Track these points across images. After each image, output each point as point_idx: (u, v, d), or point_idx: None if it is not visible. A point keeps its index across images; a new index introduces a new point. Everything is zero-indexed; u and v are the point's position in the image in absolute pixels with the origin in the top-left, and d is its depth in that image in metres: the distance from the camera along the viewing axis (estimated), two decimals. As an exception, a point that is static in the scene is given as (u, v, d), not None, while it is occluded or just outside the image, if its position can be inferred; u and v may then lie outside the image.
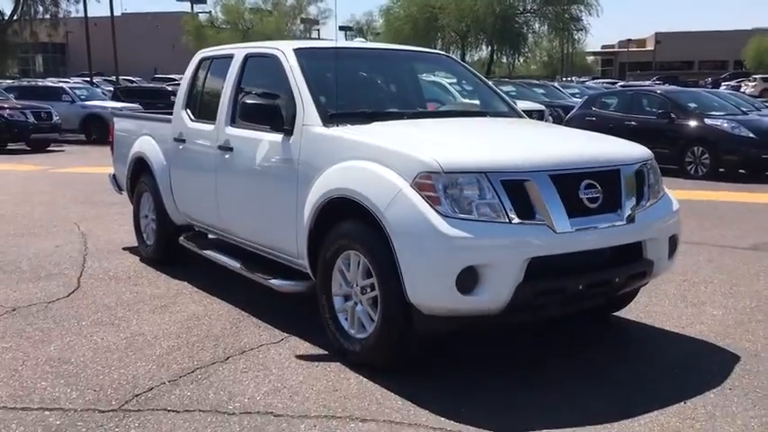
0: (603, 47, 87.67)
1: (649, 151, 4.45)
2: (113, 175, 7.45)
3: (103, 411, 3.50)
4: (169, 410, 3.50)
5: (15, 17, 35.66)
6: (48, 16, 36.82)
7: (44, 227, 8.25)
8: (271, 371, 4.00)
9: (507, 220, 3.62)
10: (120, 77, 45.23)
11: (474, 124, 4.75)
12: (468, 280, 3.54)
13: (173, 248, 6.25)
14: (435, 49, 34.69)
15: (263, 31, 37.97)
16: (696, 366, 4.11)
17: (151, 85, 33.58)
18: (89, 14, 36.27)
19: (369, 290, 3.93)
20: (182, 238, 6.04)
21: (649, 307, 5.17)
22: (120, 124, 7.26)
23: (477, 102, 5.53)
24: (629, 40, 75.89)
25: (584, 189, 3.82)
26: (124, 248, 7.06)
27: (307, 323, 4.63)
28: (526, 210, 3.67)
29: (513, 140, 4.31)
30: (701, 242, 7.30)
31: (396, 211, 3.66)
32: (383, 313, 3.82)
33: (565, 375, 3.99)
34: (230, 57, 5.45)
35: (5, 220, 8.70)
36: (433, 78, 18.18)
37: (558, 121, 16.09)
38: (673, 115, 13.42)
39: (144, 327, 4.76)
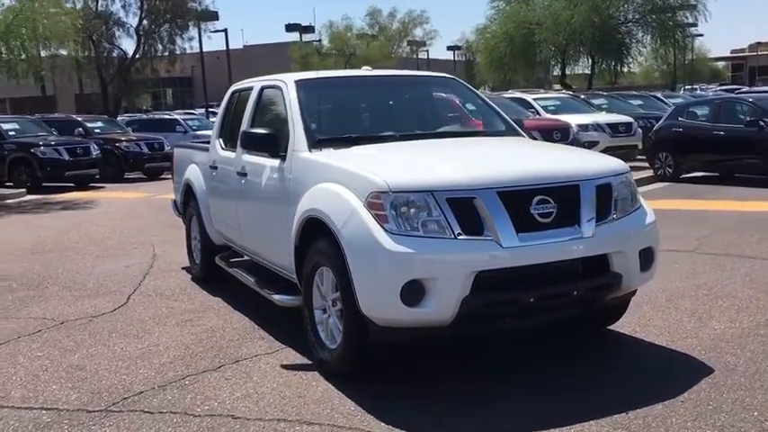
0: (733, 51, 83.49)
1: (624, 165, 4.50)
2: (174, 201, 8.08)
3: (90, 411, 3.95)
4: (145, 412, 3.91)
5: (138, 56, 38.38)
6: (166, 53, 39.39)
7: (125, 249, 9.02)
8: (251, 378, 4.35)
9: (452, 236, 3.80)
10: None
11: (450, 145, 4.92)
12: (413, 293, 3.75)
13: (213, 267, 6.74)
14: (535, 64, 34.82)
15: (368, 56, 38.95)
16: (659, 378, 4.11)
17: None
18: (216, 48, 38.76)
19: (338, 303, 4.21)
20: (217, 257, 6.52)
21: (652, 320, 5.14)
22: (177, 153, 7.89)
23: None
24: (759, 43, 71.89)
25: (535, 205, 3.94)
26: (182, 268, 7.64)
27: (305, 336, 4.93)
28: (473, 226, 3.83)
29: (473, 160, 4.47)
30: (756, 256, 7.04)
31: (349, 228, 3.93)
32: (345, 325, 4.09)
33: (518, 384, 4.11)
34: (251, 89, 5.90)
35: (94, 243, 9.57)
36: (517, 95, 18.13)
37: (645, 132, 15.68)
38: (762, 123, 12.83)
39: (162, 338, 5.23)
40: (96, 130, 21.22)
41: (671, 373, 4.20)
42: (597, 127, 15.70)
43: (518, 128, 5.46)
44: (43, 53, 18.37)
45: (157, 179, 20.37)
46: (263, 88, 5.70)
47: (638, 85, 57.65)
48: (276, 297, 5.01)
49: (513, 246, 3.83)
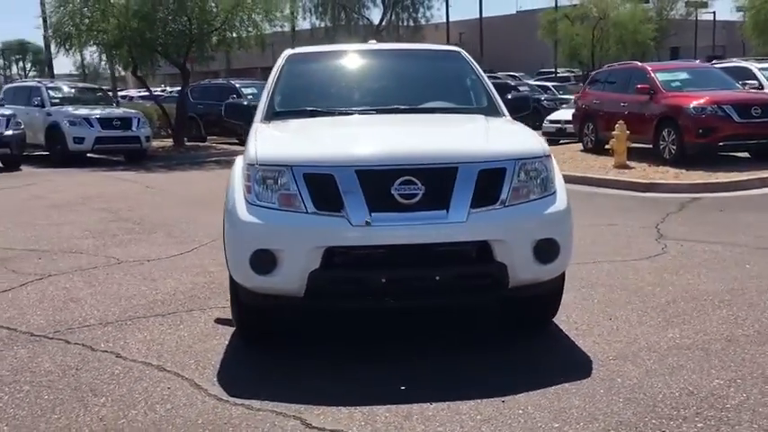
0: None
1: (536, 150, 4.20)
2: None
3: (33, 335, 4.73)
4: (65, 341, 4.58)
5: (383, 24, 39.99)
6: (411, 23, 40.54)
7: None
8: (177, 327, 4.84)
9: (304, 211, 3.92)
10: (507, 74, 47.56)
11: (389, 122, 4.86)
12: (262, 262, 3.94)
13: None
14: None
15: (618, 20, 36.74)
16: (538, 368, 3.90)
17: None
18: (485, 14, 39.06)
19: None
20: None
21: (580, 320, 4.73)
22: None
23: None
24: None
25: (397, 185, 3.89)
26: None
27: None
28: (330, 202, 3.91)
29: (359, 136, 4.46)
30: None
31: (228, 196, 4.23)
32: (229, 288, 4.40)
33: (413, 368, 4.09)
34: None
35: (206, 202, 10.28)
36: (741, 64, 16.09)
37: None
38: None
39: (167, 285, 5.90)
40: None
41: (549, 364, 3.90)
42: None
43: (502, 107, 5.25)
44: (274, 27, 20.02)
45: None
46: (286, 57, 5.95)
47: None
48: None
49: (362, 224, 3.84)
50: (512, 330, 4.72)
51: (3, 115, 15.72)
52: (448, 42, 34.98)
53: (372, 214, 3.86)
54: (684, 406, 3.49)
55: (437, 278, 3.98)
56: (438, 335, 4.66)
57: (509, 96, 5.64)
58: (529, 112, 5.59)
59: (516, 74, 47.72)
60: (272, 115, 5.07)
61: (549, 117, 20.52)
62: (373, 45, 6.00)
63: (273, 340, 4.53)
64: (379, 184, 3.89)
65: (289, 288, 3.97)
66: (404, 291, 4.04)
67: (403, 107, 5.14)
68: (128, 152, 17.31)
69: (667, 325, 4.68)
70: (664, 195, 10.58)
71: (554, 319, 4.77)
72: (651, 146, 13.50)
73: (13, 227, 8.68)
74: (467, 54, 5.77)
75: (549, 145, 16.81)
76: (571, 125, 17.59)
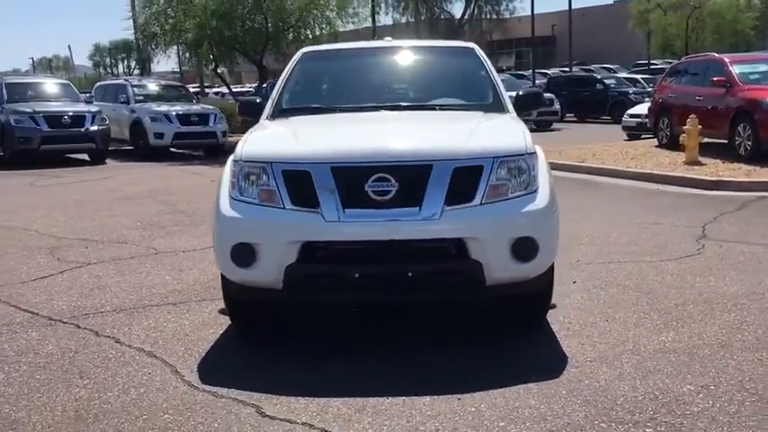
0: None
1: (516, 148, 4.16)
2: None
3: (51, 319, 5.04)
4: (76, 326, 4.87)
5: (465, 18, 39.60)
6: (494, 16, 39.97)
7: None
8: (183, 317, 5.05)
9: (281, 206, 4.04)
10: (600, 66, 46.46)
11: (384, 119, 4.91)
12: (243, 255, 4.09)
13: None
14: None
15: (714, 9, 34.99)
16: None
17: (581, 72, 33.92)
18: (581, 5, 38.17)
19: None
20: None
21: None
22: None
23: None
24: None
25: (372, 182, 3.95)
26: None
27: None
28: (306, 198, 4.01)
29: (341, 134, 4.55)
30: None
31: (217, 191, 4.38)
32: (221, 280, 4.57)
33: (387, 364, 4.14)
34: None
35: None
36: None
37: None
38: None
39: (191, 275, 6.16)
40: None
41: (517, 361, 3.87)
42: None
43: (506, 104, 5.22)
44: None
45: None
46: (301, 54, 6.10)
47: None
48: None
49: (335, 220, 3.93)
50: (499, 329, 4.69)
51: (89, 111, 16.62)
52: (533, 36, 34.47)
53: (346, 210, 3.93)
54: (642, 410, 3.40)
55: (409, 274, 4.01)
56: (423, 331, 4.69)
57: (520, 92, 5.57)
58: (542, 107, 5.54)
59: (611, 66, 46.50)
60: (279, 112, 5.22)
61: (630, 111, 19.89)
62: (387, 42, 6.05)
63: (262, 332, 4.67)
64: (354, 180, 3.96)
65: (267, 281, 4.09)
66: (377, 286, 4.09)
67: (405, 104, 5.17)
68: (206, 147, 17.94)
69: (665, 328, 4.54)
70: (729, 194, 10.12)
71: (550, 319, 4.71)
72: (726, 141, 12.95)
73: (77, 218, 9.21)
74: (480, 51, 5.74)
75: (630, 140, 16.60)
76: (652, 119, 17.03)
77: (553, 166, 13.25)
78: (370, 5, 24.85)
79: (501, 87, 5.34)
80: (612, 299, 5.18)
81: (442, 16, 38.93)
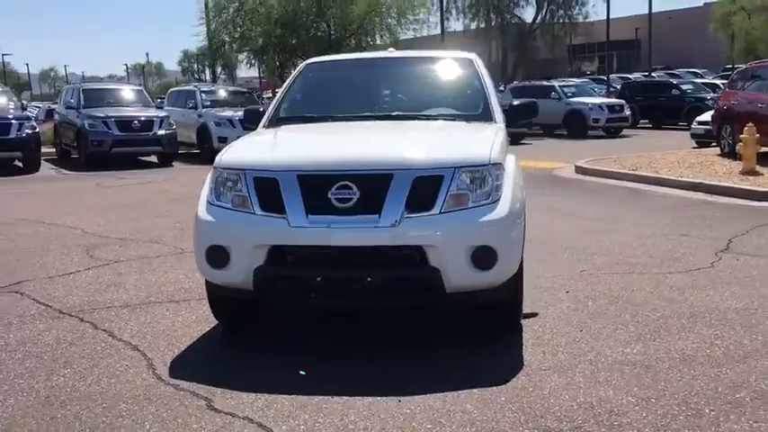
0: None
1: (478, 158, 4.25)
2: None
3: (62, 312, 5.41)
4: (80, 319, 5.22)
5: (537, 23, 39.01)
6: (567, 20, 39.26)
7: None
8: (179, 314, 5.32)
9: (252, 211, 4.27)
10: (686, 70, 45.17)
11: (364, 129, 5.09)
12: (216, 257, 4.34)
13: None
14: None
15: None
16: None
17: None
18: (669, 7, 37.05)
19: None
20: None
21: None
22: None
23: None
24: None
25: (335, 190, 4.13)
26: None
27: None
28: (274, 204, 4.22)
29: (313, 143, 4.75)
30: None
31: (200, 196, 4.64)
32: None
33: (349, 364, 4.31)
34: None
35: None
36: None
37: None
38: None
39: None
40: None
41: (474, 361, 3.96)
42: None
43: (494, 114, 5.30)
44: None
45: (517, 144, 21.59)
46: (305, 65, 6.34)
47: None
48: None
49: (299, 226, 4.12)
50: (464, 336, 4.74)
51: (157, 116, 17.40)
52: (607, 39, 33.78)
53: (310, 216, 4.12)
54: (570, 419, 3.44)
55: (369, 279, 4.16)
56: (389, 335, 4.82)
57: (515, 102, 5.64)
58: (536, 116, 5.60)
59: (699, 70, 45.02)
60: (276, 121, 5.46)
61: (699, 118, 19.29)
62: (389, 53, 6.21)
63: (241, 330, 4.92)
64: (318, 188, 4.15)
65: (239, 282, 4.32)
66: (338, 290, 4.27)
67: (395, 114, 5.33)
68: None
69: (635, 340, 4.52)
70: (777, 206, 9.81)
71: (526, 327, 4.77)
72: (790, 151, 12.51)
73: (122, 218, 9.72)
74: (479, 61, 5.82)
75: (699, 147, 16.15)
76: (721, 127, 16.52)
77: (602, 174, 13.34)
78: (439, 13, 24.89)
79: (492, 98, 5.41)
80: (597, 310, 5.17)
81: (513, 21, 38.55)
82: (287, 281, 4.31)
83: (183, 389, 3.94)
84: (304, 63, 6.04)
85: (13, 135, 16.01)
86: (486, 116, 5.27)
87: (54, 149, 19.91)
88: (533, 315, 5.04)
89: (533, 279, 5.99)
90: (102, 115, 16.91)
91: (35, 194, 12.78)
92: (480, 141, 4.55)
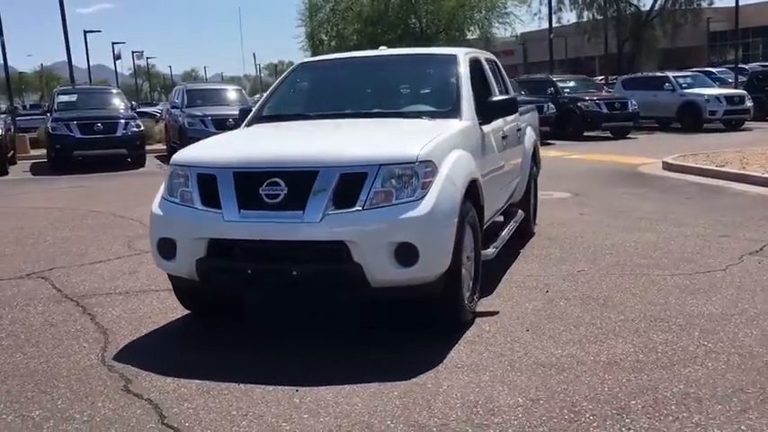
0: None
1: (406, 156, 4.28)
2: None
3: (66, 297, 5.89)
4: (76, 303, 5.66)
5: (654, 12, 36.92)
6: (689, 7, 36.85)
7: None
8: (163, 302, 5.62)
9: (194, 206, 4.52)
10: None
11: (334, 125, 5.20)
12: (166, 249, 4.63)
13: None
14: None
15: None
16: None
17: None
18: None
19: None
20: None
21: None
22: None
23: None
24: None
25: (266, 186, 4.31)
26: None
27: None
28: (211, 199, 4.46)
29: (261, 141, 4.89)
30: None
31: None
32: (168, 270, 5.12)
33: (277, 354, 4.48)
34: None
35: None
36: None
37: None
38: None
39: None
40: (566, 90, 22.61)
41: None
42: None
43: (462, 111, 5.27)
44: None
45: (622, 138, 20.89)
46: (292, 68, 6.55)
47: None
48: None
49: (232, 220, 4.33)
50: (402, 332, 4.74)
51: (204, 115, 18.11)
52: (737, 27, 31.74)
53: (242, 211, 4.32)
54: (443, 416, 3.44)
55: (294, 273, 4.29)
56: (325, 328, 4.93)
57: (494, 99, 5.57)
58: (516, 113, 5.51)
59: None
60: (257, 119, 5.69)
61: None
62: (378, 52, 6.28)
63: (211, 320, 5.16)
64: (251, 184, 4.33)
65: (185, 272, 4.58)
66: (267, 283, 4.43)
67: (373, 111, 5.44)
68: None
69: (576, 343, 4.39)
70: None
71: (477, 324, 4.73)
72: None
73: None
74: (463, 58, 5.75)
75: None
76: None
77: (687, 171, 12.67)
78: (547, 5, 24.40)
79: (464, 95, 5.37)
80: (562, 311, 5.03)
81: (628, 10, 36.60)
82: (224, 273, 4.52)
83: (115, 370, 4.23)
84: (298, 63, 6.23)
85: (119, 133, 17.23)
86: (454, 113, 5.24)
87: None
88: (493, 313, 4.98)
89: (521, 278, 5.93)
90: (200, 114, 17.84)
91: (124, 188, 13.68)
92: (416, 139, 4.55)
